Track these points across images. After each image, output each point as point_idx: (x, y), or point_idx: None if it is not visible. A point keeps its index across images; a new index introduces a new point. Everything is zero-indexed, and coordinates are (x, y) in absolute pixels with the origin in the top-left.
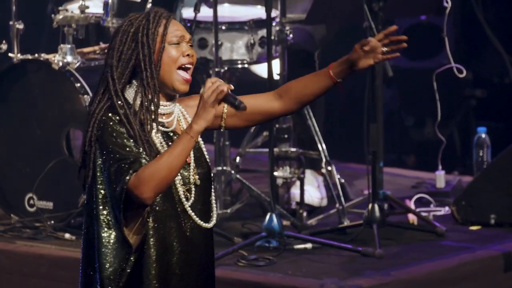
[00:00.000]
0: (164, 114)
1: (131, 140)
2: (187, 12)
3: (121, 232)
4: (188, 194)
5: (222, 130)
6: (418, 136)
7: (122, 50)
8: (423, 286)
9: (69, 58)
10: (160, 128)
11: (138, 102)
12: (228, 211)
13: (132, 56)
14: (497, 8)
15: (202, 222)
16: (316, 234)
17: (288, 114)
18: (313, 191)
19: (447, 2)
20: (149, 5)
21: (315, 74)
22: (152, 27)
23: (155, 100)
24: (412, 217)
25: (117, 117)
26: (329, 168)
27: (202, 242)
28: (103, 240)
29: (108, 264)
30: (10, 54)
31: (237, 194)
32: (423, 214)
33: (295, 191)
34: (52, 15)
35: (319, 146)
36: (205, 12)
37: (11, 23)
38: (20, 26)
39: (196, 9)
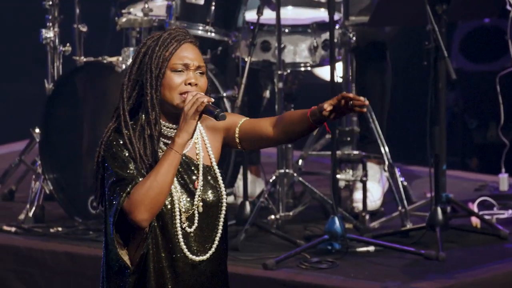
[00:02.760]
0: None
1: (132, 163)
2: (250, 15)
3: (117, 251)
4: (188, 222)
5: (244, 151)
6: (481, 139)
7: (132, 70)
8: None
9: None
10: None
11: (144, 124)
12: (291, 213)
13: (139, 78)
14: None
15: (191, 255)
16: (379, 237)
17: (280, 144)
18: (375, 190)
19: (510, 5)
20: (212, 8)
21: (301, 114)
22: (159, 51)
23: (157, 126)
24: (475, 220)
25: (121, 140)
26: (392, 171)
27: (209, 267)
28: (109, 260)
29: (112, 284)
30: (74, 57)
31: (300, 197)
32: (486, 217)
33: (357, 197)
34: (116, 18)
35: (382, 148)
36: (268, 15)
37: (75, 26)
38: (83, 29)
39: (259, 12)
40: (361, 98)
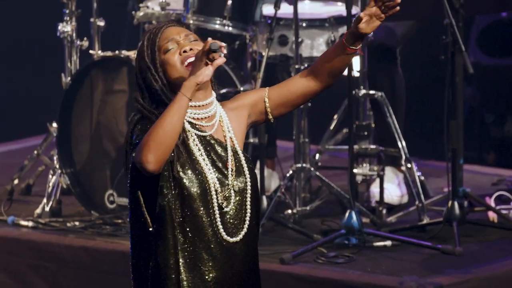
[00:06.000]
0: (203, 118)
1: None
2: (268, 9)
3: (144, 216)
4: (225, 201)
5: (272, 121)
6: (498, 133)
7: (139, 71)
8: (503, 283)
9: None
10: (195, 132)
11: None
12: (308, 208)
13: (146, 79)
14: None
15: (226, 235)
16: (396, 232)
17: (327, 88)
18: (393, 189)
19: None
20: (229, 2)
21: (336, 48)
22: (148, 48)
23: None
24: (492, 215)
25: (148, 123)
26: (409, 165)
27: (242, 250)
28: (139, 237)
29: (141, 261)
30: (91, 51)
31: (317, 191)
32: (503, 211)
33: (375, 189)
34: (133, 12)
35: (399, 143)
36: (286, 9)
37: (92, 20)
38: (101, 23)
39: (277, 6)
40: None
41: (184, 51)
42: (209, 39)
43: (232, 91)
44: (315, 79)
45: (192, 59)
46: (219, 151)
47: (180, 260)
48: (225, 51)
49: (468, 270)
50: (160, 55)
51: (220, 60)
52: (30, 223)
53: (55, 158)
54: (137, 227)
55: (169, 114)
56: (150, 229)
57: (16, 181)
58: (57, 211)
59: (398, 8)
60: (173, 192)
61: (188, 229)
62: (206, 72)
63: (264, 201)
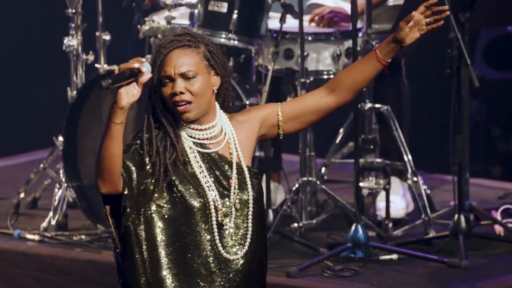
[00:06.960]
0: (206, 138)
1: (131, 152)
2: (273, 23)
3: (113, 238)
4: (225, 218)
5: (281, 137)
6: (504, 146)
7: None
8: None
9: None
10: (198, 149)
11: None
12: (314, 221)
13: (150, 98)
14: None
15: (225, 253)
16: (402, 245)
17: (343, 105)
18: (398, 201)
19: None
20: (235, 16)
21: (364, 60)
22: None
23: (172, 131)
24: (498, 228)
25: (138, 142)
26: (415, 178)
27: (244, 266)
28: (114, 255)
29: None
30: (96, 65)
31: (323, 205)
32: (510, 225)
33: (381, 203)
34: (139, 26)
35: (404, 156)
36: (291, 23)
37: (97, 34)
38: (106, 37)
39: (282, 20)
40: (445, 6)
41: (175, 93)
42: (116, 67)
43: (237, 104)
44: (333, 93)
45: (182, 104)
46: (223, 167)
47: (170, 278)
48: (144, 68)
49: (474, 284)
50: (159, 86)
51: (144, 77)
52: (36, 237)
53: (61, 171)
54: (113, 246)
55: (103, 140)
56: (118, 250)
57: (22, 195)
58: (63, 224)
59: (442, 22)
60: (165, 208)
61: (181, 244)
62: (131, 93)
63: (270, 215)
